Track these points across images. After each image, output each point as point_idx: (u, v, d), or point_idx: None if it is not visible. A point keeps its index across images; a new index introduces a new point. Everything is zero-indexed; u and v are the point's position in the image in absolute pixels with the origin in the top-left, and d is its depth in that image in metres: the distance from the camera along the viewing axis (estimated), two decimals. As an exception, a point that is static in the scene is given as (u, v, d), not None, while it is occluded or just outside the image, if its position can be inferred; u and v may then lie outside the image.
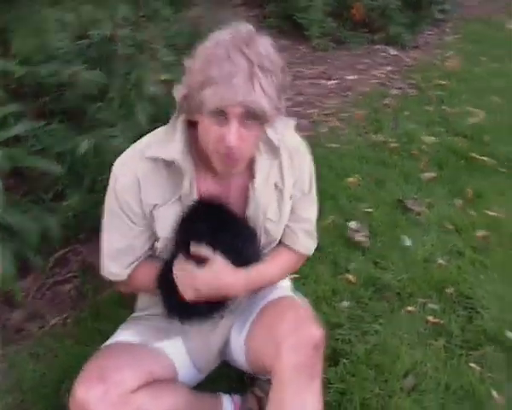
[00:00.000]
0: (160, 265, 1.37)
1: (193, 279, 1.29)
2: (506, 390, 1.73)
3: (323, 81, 4.06)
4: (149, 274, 1.38)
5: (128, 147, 2.09)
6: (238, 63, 1.13)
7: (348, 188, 2.70)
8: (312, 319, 1.32)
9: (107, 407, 1.21)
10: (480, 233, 2.39)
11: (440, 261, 2.22)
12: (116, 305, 2.06)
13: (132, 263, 1.40)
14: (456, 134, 3.22)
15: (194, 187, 1.32)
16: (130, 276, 1.41)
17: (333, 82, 4.09)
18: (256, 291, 1.43)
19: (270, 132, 1.32)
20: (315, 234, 1.51)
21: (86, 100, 2.21)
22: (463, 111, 3.49)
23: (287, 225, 1.44)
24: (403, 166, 2.88)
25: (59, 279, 2.24)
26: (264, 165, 1.34)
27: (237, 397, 1.53)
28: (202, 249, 1.29)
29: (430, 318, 1.99)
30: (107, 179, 1.42)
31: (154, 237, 1.38)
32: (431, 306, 2.03)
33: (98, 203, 2.19)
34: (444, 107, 3.56)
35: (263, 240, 1.40)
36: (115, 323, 1.98)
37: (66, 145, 2.14)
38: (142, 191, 1.32)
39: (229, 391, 1.60)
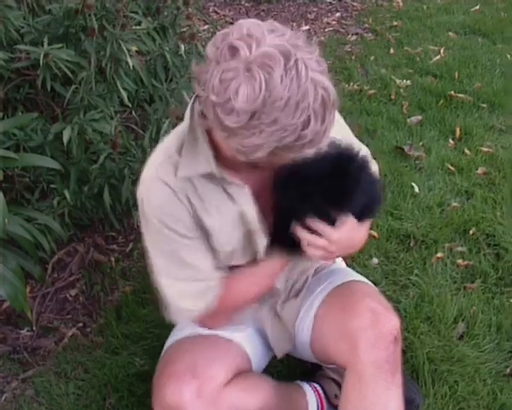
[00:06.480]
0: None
1: (329, 242, 1.12)
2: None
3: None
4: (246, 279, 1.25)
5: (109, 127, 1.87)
6: None
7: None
8: (387, 307, 1.24)
9: (203, 403, 1.14)
10: (481, 170, 2.39)
11: (454, 204, 2.21)
12: (136, 304, 1.90)
13: (210, 289, 1.19)
14: (426, 74, 3.20)
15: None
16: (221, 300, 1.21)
17: (286, 35, 3.95)
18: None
19: None
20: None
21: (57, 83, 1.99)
22: (425, 50, 3.48)
23: None
24: (387, 112, 2.83)
25: (60, 286, 2.03)
26: None
27: (315, 384, 1.43)
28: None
29: (460, 261, 1.98)
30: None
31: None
32: (458, 249, 2.02)
33: (92, 195, 2.01)
34: (406, 48, 3.52)
35: None
36: (142, 324, 1.83)
37: (46, 137, 1.92)
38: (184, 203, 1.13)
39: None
